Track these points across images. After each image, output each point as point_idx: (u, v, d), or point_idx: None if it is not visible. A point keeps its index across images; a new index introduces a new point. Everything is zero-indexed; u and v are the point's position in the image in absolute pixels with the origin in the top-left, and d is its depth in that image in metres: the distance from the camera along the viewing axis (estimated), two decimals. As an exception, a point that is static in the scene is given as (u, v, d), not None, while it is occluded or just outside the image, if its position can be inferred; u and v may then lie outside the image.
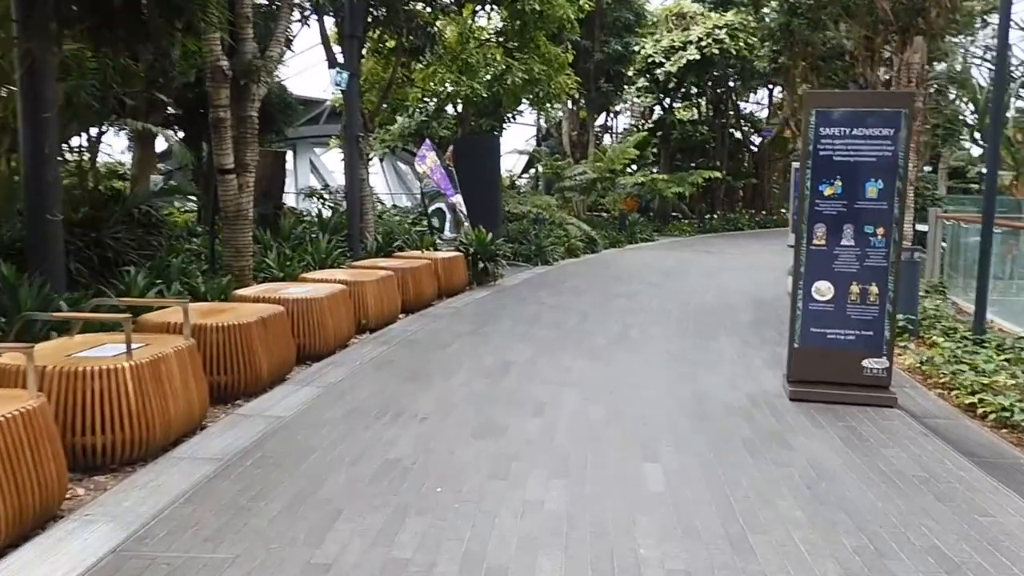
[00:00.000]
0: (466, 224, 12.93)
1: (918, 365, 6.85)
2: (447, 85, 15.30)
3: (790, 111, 35.31)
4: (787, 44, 13.15)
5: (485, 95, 15.38)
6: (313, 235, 11.61)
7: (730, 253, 19.09)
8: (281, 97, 16.08)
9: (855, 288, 5.83)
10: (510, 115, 22.13)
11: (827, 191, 5.86)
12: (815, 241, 5.90)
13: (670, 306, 10.53)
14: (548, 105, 18.15)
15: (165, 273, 8.23)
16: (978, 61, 18.95)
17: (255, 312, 5.99)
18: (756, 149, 33.47)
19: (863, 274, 5.81)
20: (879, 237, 5.77)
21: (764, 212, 32.36)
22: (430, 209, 13.52)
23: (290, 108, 16.52)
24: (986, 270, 7.69)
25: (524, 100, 17.99)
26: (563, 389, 6.11)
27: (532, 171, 32.89)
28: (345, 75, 11.09)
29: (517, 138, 33.45)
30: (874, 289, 5.80)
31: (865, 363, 5.83)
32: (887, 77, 10.45)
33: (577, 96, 22.40)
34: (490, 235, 12.75)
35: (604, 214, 24.94)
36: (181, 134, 15.23)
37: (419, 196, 13.72)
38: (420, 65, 16.20)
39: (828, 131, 5.84)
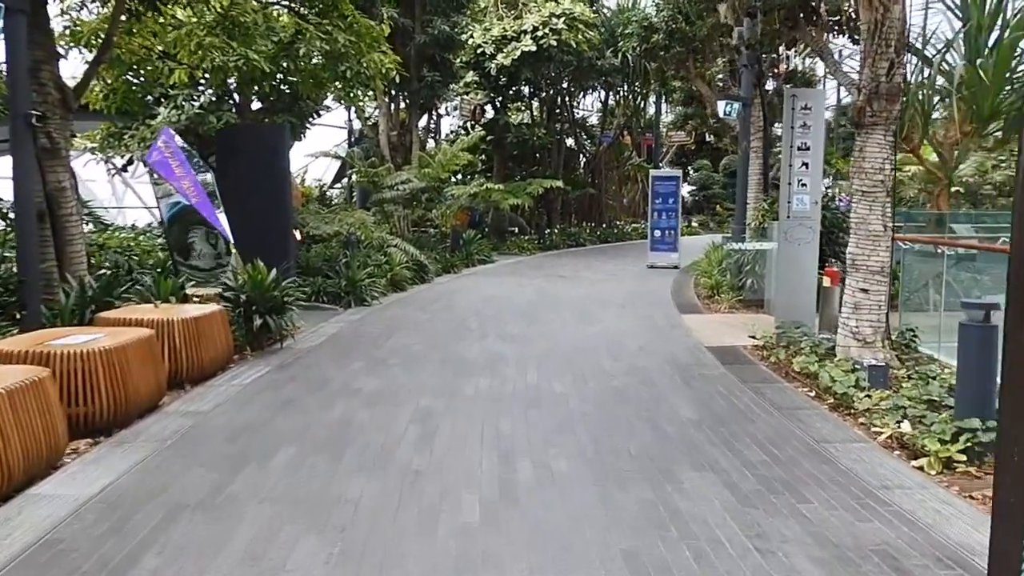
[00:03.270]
0: (232, 259, 8.45)
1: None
2: (213, 54, 10.64)
3: (624, 118, 33.25)
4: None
5: (267, 69, 10.90)
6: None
7: (589, 278, 15.74)
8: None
9: None
10: (316, 111, 17.66)
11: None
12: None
13: (559, 387, 6.71)
14: (359, 92, 13.88)
15: None
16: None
17: None
18: (592, 156, 30.90)
19: None
20: None
21: (604, 225, 29.82)
22: (188, 235, 8.91)
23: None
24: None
25: (329, 85, 13.63)
26: None
27: (346, 179, 28.31)
28: (-4, 8, 6.35)
29: (327, 141, 28.73)
30: None
31: None
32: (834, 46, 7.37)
33: (397, 85, 18.28)
34: (273, 273, 8.37)
35: (432, 230, 20.99)
36: None
37: (162, 214, 9.02)
38: (178, 31, 11.48)
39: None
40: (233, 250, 8.43)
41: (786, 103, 8.35)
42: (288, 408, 5.99)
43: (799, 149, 8.31)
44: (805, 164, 8.32)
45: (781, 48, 13.93)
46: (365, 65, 12.60)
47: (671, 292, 13.49)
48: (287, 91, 14.41)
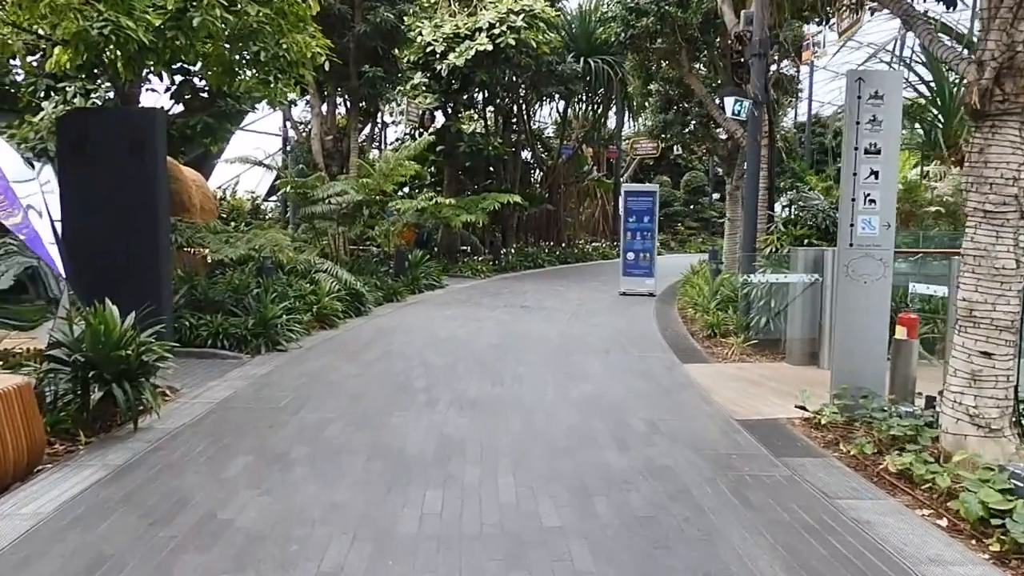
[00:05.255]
0: (64, 301, 5.82)
1: None
2: (70, 16, 8.00)
3: (582, 131, 31.07)
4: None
5: (147, 42, 8.29)
6: None
7: (557, 310, 13.36)
8: None
9: None
10: (240, 110, 14.95)
11: None
12: None
13: (551, 516, 4.25)
14: (278, 81, 11.28)
15: None
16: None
17: None
18: (550, 170, 28.65)
19: None
20: None
21: (563, 244, 27.57)
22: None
23: None
24: None
25: (242, 72, 11.03)
26: None
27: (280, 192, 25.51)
28: None
29: (262, 149, 25.99)
30: None
31: None
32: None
33: (332, 77, 15.75)
34: (129, 319, 5.78)
35: (374, 250, 18.41)
36: None
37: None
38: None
39: None
40: (64, 289, 5.80)
41: (849, 91, 6.12)
42: (89, 579, 3.42)
43: (866, 152, 6.08)
44: (875, 173, 6.09)
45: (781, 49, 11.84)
46: (286, 47, 10.10)
47: (659, 329, 11.19)
48: (204, 87, 11.90)
